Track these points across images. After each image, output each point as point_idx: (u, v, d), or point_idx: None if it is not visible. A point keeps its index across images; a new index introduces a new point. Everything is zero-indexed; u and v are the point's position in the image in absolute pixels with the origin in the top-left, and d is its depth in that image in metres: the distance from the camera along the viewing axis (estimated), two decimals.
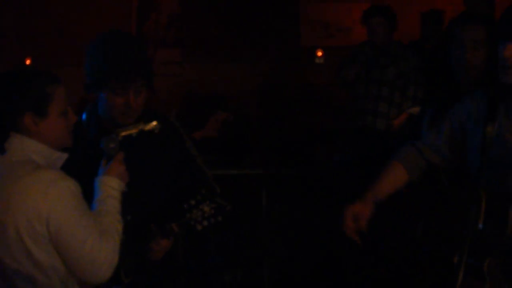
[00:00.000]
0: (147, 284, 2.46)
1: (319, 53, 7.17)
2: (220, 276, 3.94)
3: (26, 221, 1.99)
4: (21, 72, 2.14)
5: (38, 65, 6.96)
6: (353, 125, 5.09)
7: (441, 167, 2.57)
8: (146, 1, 7.68)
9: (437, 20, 5.52)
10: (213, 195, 2.40)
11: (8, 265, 2.02)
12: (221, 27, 7.43)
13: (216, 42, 7.42)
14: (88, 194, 2.17)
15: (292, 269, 4.51)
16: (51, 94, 2.11)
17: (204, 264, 3.79)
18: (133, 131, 2.32)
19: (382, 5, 5.17)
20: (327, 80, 6.58)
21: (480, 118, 2.40)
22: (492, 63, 2.44)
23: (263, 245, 4.49)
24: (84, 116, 2.55)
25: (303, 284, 4.36)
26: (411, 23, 6.06)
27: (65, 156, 2.16)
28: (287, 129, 6.94)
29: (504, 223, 2.18)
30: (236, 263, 4.23)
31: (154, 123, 2.35)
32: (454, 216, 2.32)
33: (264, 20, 7.32)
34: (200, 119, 6.69)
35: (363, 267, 3.62)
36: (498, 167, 2.33)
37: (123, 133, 2.29)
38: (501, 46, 2.24)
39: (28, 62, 6.93)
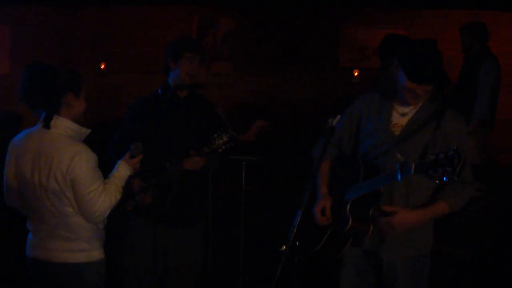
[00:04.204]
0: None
1: (356, 73, 7.86)
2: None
3: (60, 175, 2.97)
4: (68, 67, 3.19)
5: (109, 69, 7.94)
6: None
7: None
8: (207, 19, 8.50)
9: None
10: (228, 131, 3.54)
11: (50, 206, 3.02)
12: (270, 46, 8.16)
13: (264, 58, 8.18)
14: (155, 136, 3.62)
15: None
16: (83, 82, 3.11)
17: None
18: (214, 146, 3.53)
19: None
20: None
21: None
22: None
23: None
24: (159, 91, 3.79)
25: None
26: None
27: (88, 131, 3.14)
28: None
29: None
30: None
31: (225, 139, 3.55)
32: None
33: (308, 41, 8.02)
34: (244, 124, 7.49)
35: None
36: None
37: (207, 149, 3.55)
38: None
39: (102, 66, 7.85)
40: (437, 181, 2.63)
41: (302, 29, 8.05)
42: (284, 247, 2.87)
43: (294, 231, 2.87)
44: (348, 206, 3.11)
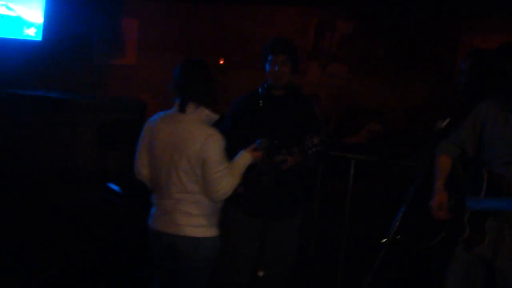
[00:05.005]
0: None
1: None
2: None
3: (194, 154, 3.22)
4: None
5: (227, 64, 8.25)
6: None
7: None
8: (324, 20, 8.64)
9: None
10: (321, 133, 3.60)
11: (178, 183, 3.27)
12: (386, 49, 8.18)
13: (379, 62, 8.21)
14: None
15: None
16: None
17: None
18: (305, 147, 3.57)
19: None
20: None
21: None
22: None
23: None
24: (260, 89, 3.90)
25: None
26: None
27: (218, 116, 3.37)
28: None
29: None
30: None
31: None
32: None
33: (424, 47, 7.95)
34: (356, 126, 7.55)
35: None
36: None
37: (296, 150, 3.58)
38: None
39: (221, 62, 8.19)
40: None
41: (419, 34, 8.00)
42: (385, 239, 2.96)
43: (397, 224, 2.95)
44: (467, 215, 3.14)
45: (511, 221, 3.08)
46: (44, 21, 6.61)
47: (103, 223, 5.04)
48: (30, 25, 6.56)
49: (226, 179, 3.27)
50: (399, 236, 3.19)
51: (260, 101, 3.85)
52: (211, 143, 3.24)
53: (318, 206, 5.31)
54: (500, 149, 3.16)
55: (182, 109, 3.31)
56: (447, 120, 3.05)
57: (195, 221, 3.31)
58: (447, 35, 7.96)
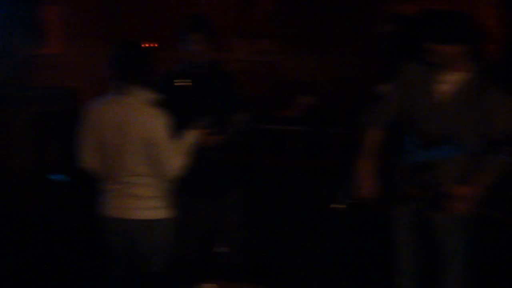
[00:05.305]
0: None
1: None
2: None
3: (141, 135, 3.19)
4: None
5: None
6: None
7: None
8: None
9: None
10: (250, 108, 3.68)
11: (127, 166, 3.25)
12: (310, 22, 8.24)
13: (306, 35, 8.27)
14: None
15: None
16: None
17: None
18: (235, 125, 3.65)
19: None
20: None
21: None
22: None
23: None
24: (181, 66, 3.91)
25: None
26: None
27: (161, 97, 3.35)
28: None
29: None
30: None
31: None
32: None
33: (348, 17, 8.09)
34: (287, 100, 7.62)
35: None
36: None
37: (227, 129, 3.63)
38: None
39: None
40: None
41: (340, 4, 8.12)
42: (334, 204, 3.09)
43: (345, 188, 3.08)
44: (401, 172, 3.27)
45: (448, 172, 3.22)
46: None
47: (50, 222, 4.91)
48: None
49: (177, 157, 3.27)
50: (348, 200, 3.30)
51: (184, 81, 3.83)
52: (158, 123, 3.23)
53: (261, 182, 5.36)
54: (423, 110, 3.26)
55: (123, 92, 3.27)
56: (385, 86, 3.15)
57: (146, 204, 3.30)
58: (369, 3, 8.02)
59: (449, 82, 3.20)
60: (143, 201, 3.29)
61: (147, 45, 7.86)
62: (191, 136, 3.44)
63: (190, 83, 3.84)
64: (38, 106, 5.81)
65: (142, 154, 3.24)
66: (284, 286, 4.12)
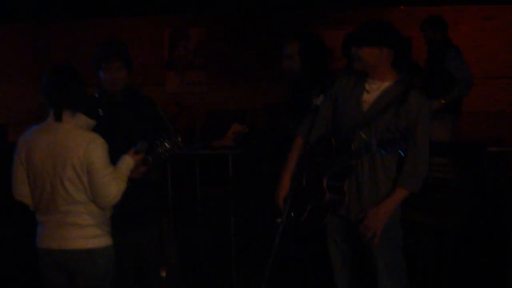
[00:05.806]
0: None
1: None
2: None
3: (78, 161, 3.14)
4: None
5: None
6: None
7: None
8: (177, 31, 8.78)
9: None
10: (171, 136, 3.57)
11: (64, 194, 3.18)
12: (241, 52, 8.45)
13: (236, 65, 8.46)
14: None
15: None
16: None
17: None
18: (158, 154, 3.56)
19: None
20: None
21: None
22: None
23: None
24: (96, 94, 3.82)
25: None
26: None
27: (94, 122, 3.32)
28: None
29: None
30: None
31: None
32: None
33: (277, 45, 8.23)
34: (221, 129, 7.65)
35: None
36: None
37: (150, 159, 3.53)
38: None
39: None
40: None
41: (271, 33, 8.26)
42: (280, 219, 3.13)
43: (289, 203, 3.17)
44: (324, 181, 3.33)
45: (365, 177, 3.32)
46: None
47: None
48: None
49: (115, 182, 3.22)
50: (292, 214, 3.37)
51: (100, 110, 3.71)
52: (94, 148, 3.18)
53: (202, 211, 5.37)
54: (346, 119, 3.39)
55: (58, 118, 3.21)
56: (321, 97, 3.25)
57: (86, 232, 3.22)
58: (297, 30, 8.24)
59: (374, 91, 3.33)
60: (83, 230, 3.22)
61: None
62: (128, 162, 3.41)
63: (101, 114, 3.72)
64: None
65: (81, 181, 3.18)
66: None
